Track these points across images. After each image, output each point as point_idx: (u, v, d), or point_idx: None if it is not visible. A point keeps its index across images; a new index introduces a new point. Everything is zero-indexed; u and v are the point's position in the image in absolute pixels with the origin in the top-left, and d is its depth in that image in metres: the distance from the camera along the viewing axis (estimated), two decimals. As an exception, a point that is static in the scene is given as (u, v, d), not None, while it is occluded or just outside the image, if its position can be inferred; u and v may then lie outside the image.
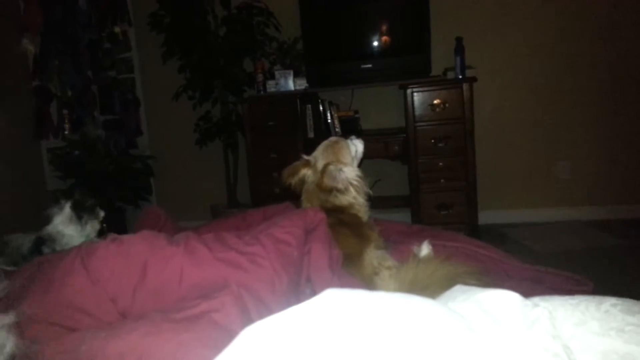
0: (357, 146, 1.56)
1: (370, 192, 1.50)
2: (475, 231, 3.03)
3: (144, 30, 3.66)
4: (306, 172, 1.51)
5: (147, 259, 0.99)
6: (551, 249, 2.84)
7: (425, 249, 1.35)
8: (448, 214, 3.08)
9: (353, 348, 0.55)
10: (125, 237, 1.04)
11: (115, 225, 3.38)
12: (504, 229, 3.26)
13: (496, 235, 3.14)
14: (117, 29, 3.86)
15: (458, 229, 2.90)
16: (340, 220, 1.32)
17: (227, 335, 0.64)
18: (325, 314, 0.60)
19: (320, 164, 1.47)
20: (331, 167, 1.42)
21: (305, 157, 1.54)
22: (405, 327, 0.58)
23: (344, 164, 1.46)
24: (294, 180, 1.52)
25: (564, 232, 3.13)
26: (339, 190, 1.40)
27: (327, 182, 1.40)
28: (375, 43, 3.30)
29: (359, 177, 1.46)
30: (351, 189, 1.42)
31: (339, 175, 1.41)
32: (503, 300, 0.72)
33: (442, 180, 3.08)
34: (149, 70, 3.93)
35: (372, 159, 3.31)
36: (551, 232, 3.15)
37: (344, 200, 1.41)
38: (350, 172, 1.44)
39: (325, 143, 1.54)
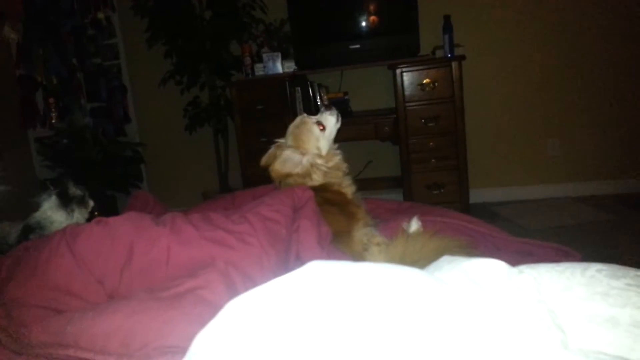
0: (327, 120, 1.47)
1: (344, 165, 1.46)
2: (466, 210, 3.04)
3: (128, 15, 3.59)
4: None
5: (133, 239, 0.98)
6: (542, 225, 2.86)
7: (414, 225, 1.35)
8: (439, 194, 3.08)
9: (338, 315, 0.55)
10: (110, 219, 1.03)
11: (107, 213, 3.35)
12: (495, 207, 3.28)
13: (487, 214, 3.15)
14: (100, 15, 3.78)
15: (449, 208, 2.90)
16: (326, 199, 1.31)
17: (214, 311, 0.64)
18: (309, 283, 0.59)
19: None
20: (285, 153, 1.39)
21: (278, 141, 1.52)
22: (389, 295, 0.58)
23: (305, 148, 1.42)
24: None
25: (554, 208, 3.15)
26: (298, 175, 1.38)
27: (277, 167, 1.38)
28: (363, 23, 3.27)
29: (334, 154, 1.43)
30: (316, 172, 1.39)
31: (293, 160, 1.38)
32: (488, 268, 0.72)
33: (432, 160, 3.08)
34: (135, 56, 3.87)
35: (363, 140, 3.30)
36: (541, 209, 3.17)
37: (314, 181, 1.39)
38: (311, 157, 1.40)
39: (291, 126, 1.49)
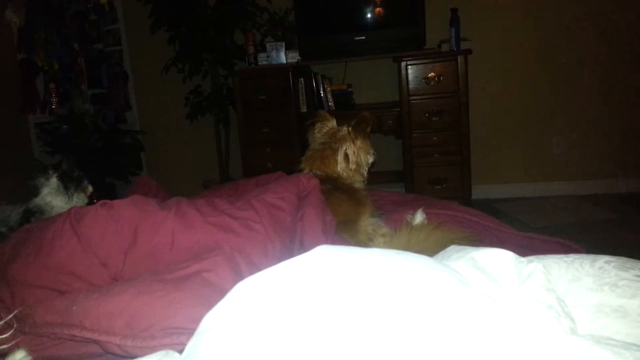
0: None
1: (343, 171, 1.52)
2: (468, 206, 3.03)
3: (131, 0, 3.56)
4: (328, 125, 1.51)
5: (138, 223, 0.97)
6: (544, 223, 2.85)
7: (419, 217, 1.34)
8: (442, 189, 3.08)
9: (345, 298, 0.54)
10: (115, 202, 1.02)
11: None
12: (498, 204, 3.28)
13: (489, 210, 3.14)
14: (103, 0, 3.75)
15: (451, 202, 2.91)
16: (334, 187, 1.31)
17: (220, 294, 0.63)
18: (318, 266, 0.59)
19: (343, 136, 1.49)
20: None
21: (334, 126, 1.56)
22: (398, 280, 0.57)
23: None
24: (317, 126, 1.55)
25: (557, 206, 3.15)
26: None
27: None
28: (369, 14, 3.24)
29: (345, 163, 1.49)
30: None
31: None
32: (497, 258, 0.71)
33: (436, 155, 3.07)
34: (137, 43, 3.84)
35: (365, 133, 3.28)
36: (544, 206, 3.16)
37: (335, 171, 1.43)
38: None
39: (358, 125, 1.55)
